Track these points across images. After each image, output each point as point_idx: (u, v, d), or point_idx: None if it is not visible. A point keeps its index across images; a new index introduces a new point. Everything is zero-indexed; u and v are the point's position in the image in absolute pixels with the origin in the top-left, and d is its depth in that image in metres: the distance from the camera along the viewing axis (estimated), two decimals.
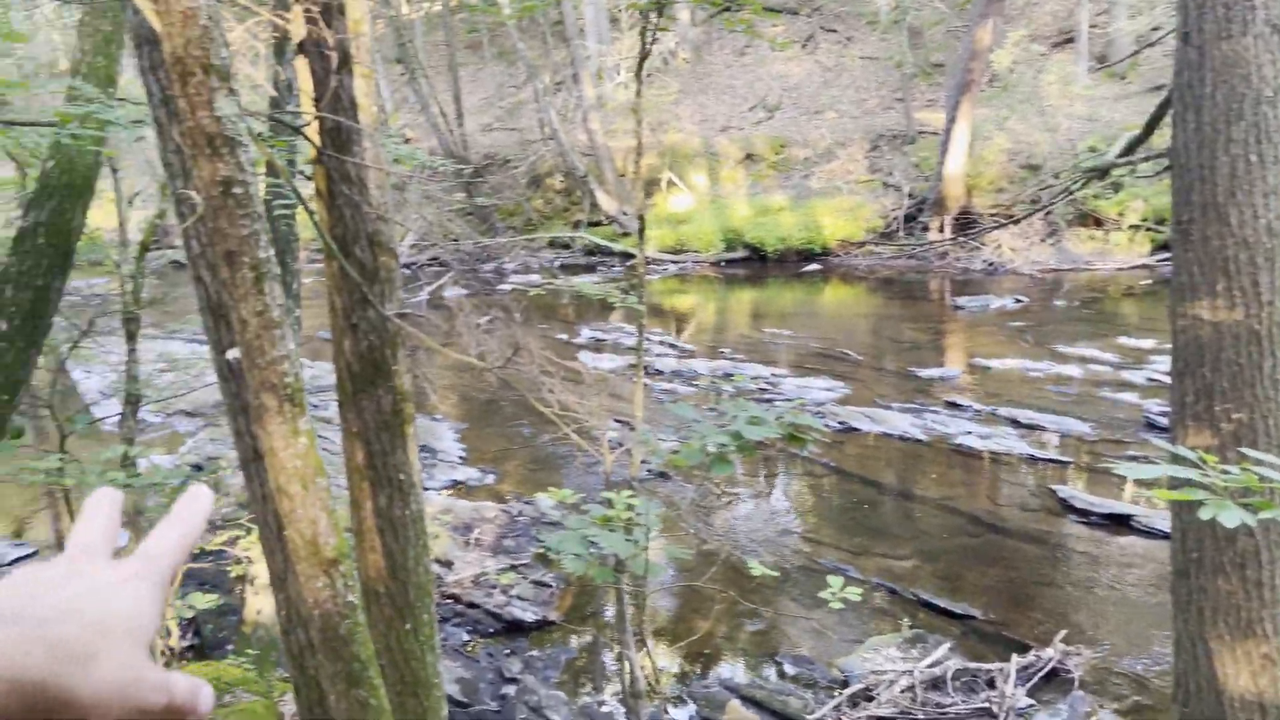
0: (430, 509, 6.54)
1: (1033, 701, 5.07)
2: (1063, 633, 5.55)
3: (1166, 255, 16.30)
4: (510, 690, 5.49)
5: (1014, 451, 8.65)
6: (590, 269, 20.30)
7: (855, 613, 6.05)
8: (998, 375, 11.14)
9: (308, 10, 2.59)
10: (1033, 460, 8.49)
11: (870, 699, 5.16)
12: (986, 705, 5.02)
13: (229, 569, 6.45)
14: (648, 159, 21.07)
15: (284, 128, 3.42)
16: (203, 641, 6.09)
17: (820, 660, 5.68)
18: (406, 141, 18.51)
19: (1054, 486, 7.83)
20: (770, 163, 21.89)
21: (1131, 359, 11.14)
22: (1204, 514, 1.86)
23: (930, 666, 5.33)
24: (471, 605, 6.40)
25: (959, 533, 7.29)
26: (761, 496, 8.40)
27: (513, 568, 6.84)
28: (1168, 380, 3.50)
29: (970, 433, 9.13)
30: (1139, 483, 7.56)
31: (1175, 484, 2.16)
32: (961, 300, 15.39)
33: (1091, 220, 17.33)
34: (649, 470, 8.14)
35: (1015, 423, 9.34)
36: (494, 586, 6.59)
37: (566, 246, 21.37)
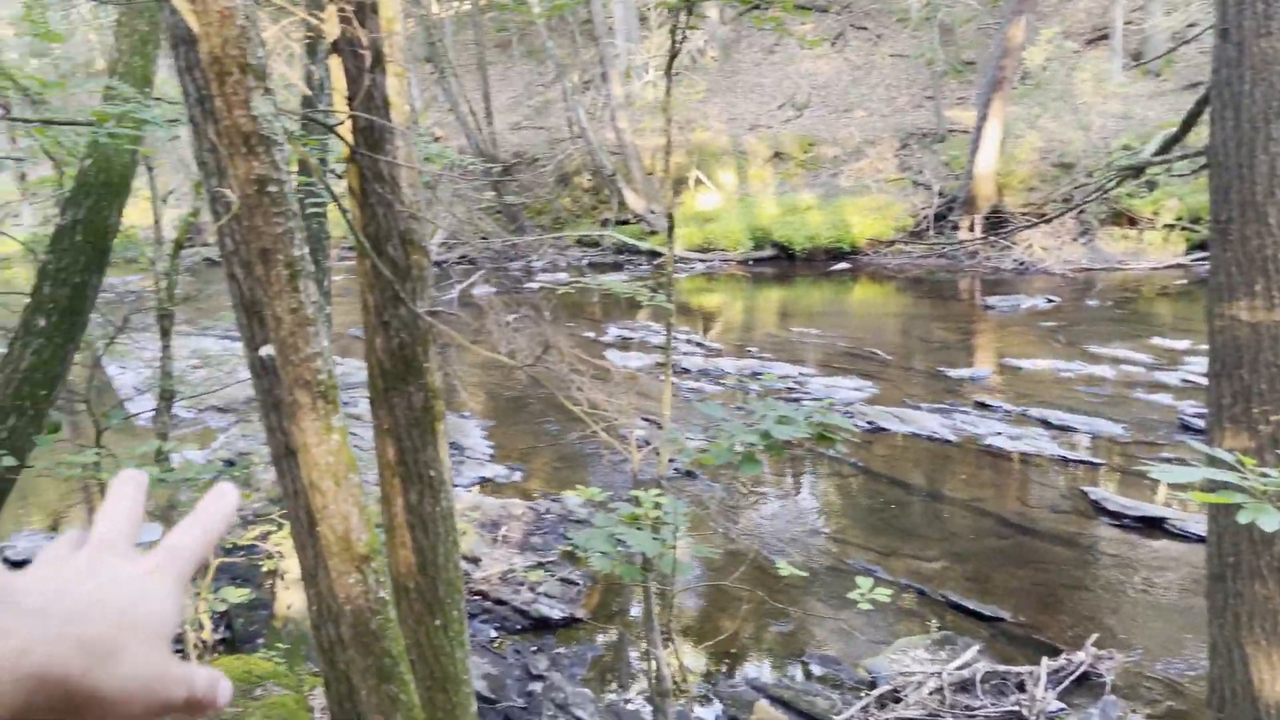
0: (458, 506, 6.57)
1: (1063, 706, 5.02)
2: (1094, 636, 5.49)
3: (1202, 255, 16.12)
4: (537, 687, 5.51)
5: (1045, 453, 8.57)
6: (617, 267, 20.31)
7: (883, 614, 6.02)
8: (1028, 376, 11.03)
9: (342, 10, 2.61)
10: (1064, 462, 8.40)
11: (898, 700, 5.12)
12: (1016, 708, 4.98)
13: (261, 564, 6.52)
14: (675, 157, 21.04)
15: (316, 126, 3.45)
16: (234, 635, 6.15)
17: (847, 661, 5.65)
18: (436, 140, 18.60)
19: (1085, 488, 7.74)
20: (799, 161, 21.81)
21: (1166, 360, 11.00)
22: (1242, 517, 1.84)
23: (959, 668, 5.29)
24: (499, 602, 6.43)
25: (988, 534, 7.23)
26: (788, 496, 8.37)
27: (540, 565, 6.86)
28: (1203, 382, 3.45)
29: (1000, 433, 9.05)
30: (1172, 486, 7.46)
31: (1212, 487, 2.13)
32: (992, 300, 15.26)
33: (1125, 219, 17.12)
34: (676, 469, 8.14)
35: (1046, 424, 9.25)
36: (521, 583, 6.62)
37: (594, 245, 21.40)
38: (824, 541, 7.29)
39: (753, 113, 23.84)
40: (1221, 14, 3.26)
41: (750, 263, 19.78)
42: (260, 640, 6.09)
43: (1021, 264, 17.37)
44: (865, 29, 25.00)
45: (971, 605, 6.10)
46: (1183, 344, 11.48)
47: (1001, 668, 5.31)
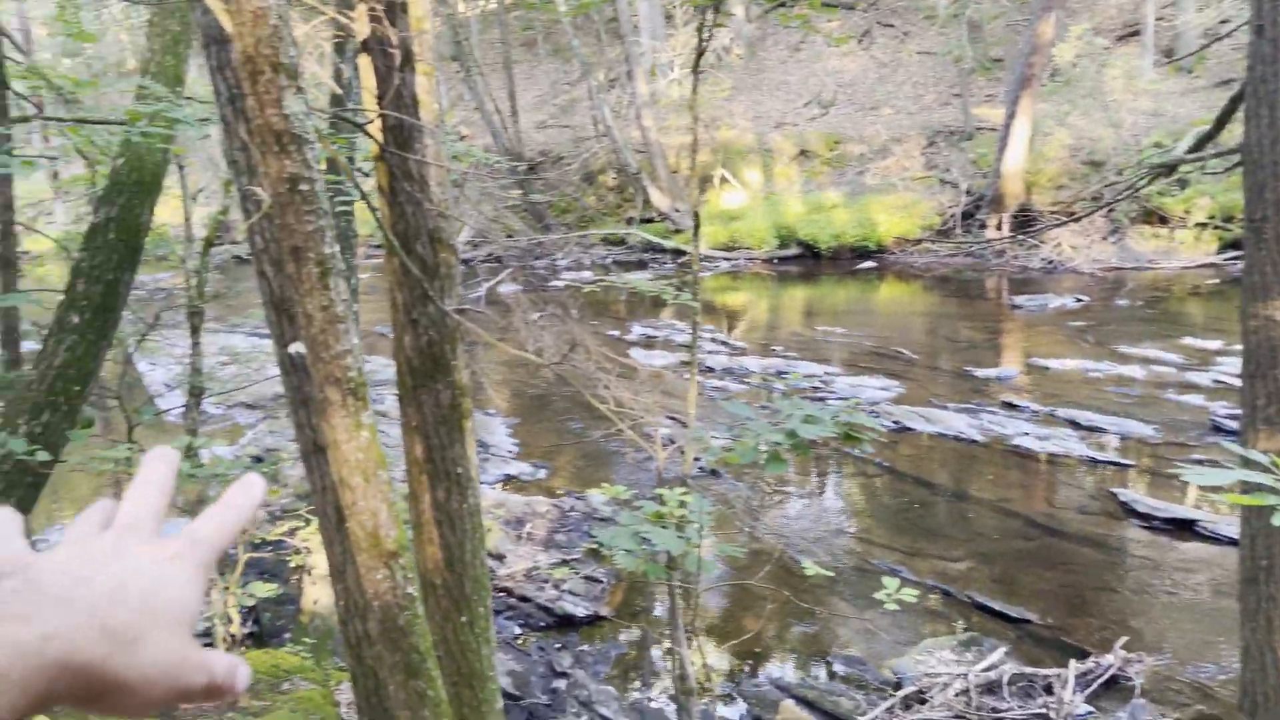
0: (483, 503, 6.61)
1: (1092, 709, 4.97)
2: (1123, 639, 5.43)
3: (1235, 254, 15.91)
4: (561, 684, 5.53)
5: (1073, 453, 8.49)
6: (642, 265, 20.31)
7: (908, 614, 5.99)
8: (1057, 376, 10.93)
9: (372, 9, 2.63)
10: (1092, 463, 8.32)
11: (923, 701, 5.10)
12: (1043, 711, 4.93)
13: (288, 559, 6.58)
14: (700, 155, 20.99)
15: (345, 125, 3.48)
16: (262, 629, 6.21)
17: (872, 661, 5.63)
18: (462, 139, 18.68)
19: (1114, 490, 7.67)
20: (824, 159, 21.72)
21: (1197, 360, 10.86)
22: (1276, 520, 1.81)
23: (985, 670, 5.25)
24: (523, 599, 6.45)
25: (1015, 535, 7.18)
26: (813, 496, 8.34)
27: (564, 562, 6.87)
28: (1236, 382, 3.41)
29: (1028, 434, 8.97)
30: (1204, 488, 7.38)
31: (1246, 489, 2.10)
32: (1019, 299, 15.13)
33: (1156, 218, 16.92)
34: (700, 468, 8.13)
35: (1075, 424, 9.16)
36: (545, 581, 6.63)
37: (619, 243, 21.41)
38: (849, 541, 7.26)
39: (778, 110, 23.76)
40: (1256, 10, 3.21)
41: (775, 261, 19.72)
42: (287, 635, 6.14)
43: (1050, 263, 17.21)
44: (892, 26, 24.85)
45: (998, 606, 6.05)
46: (1215, 344, 11.34)
47: (1029, 670, 5.26)
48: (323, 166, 4.11)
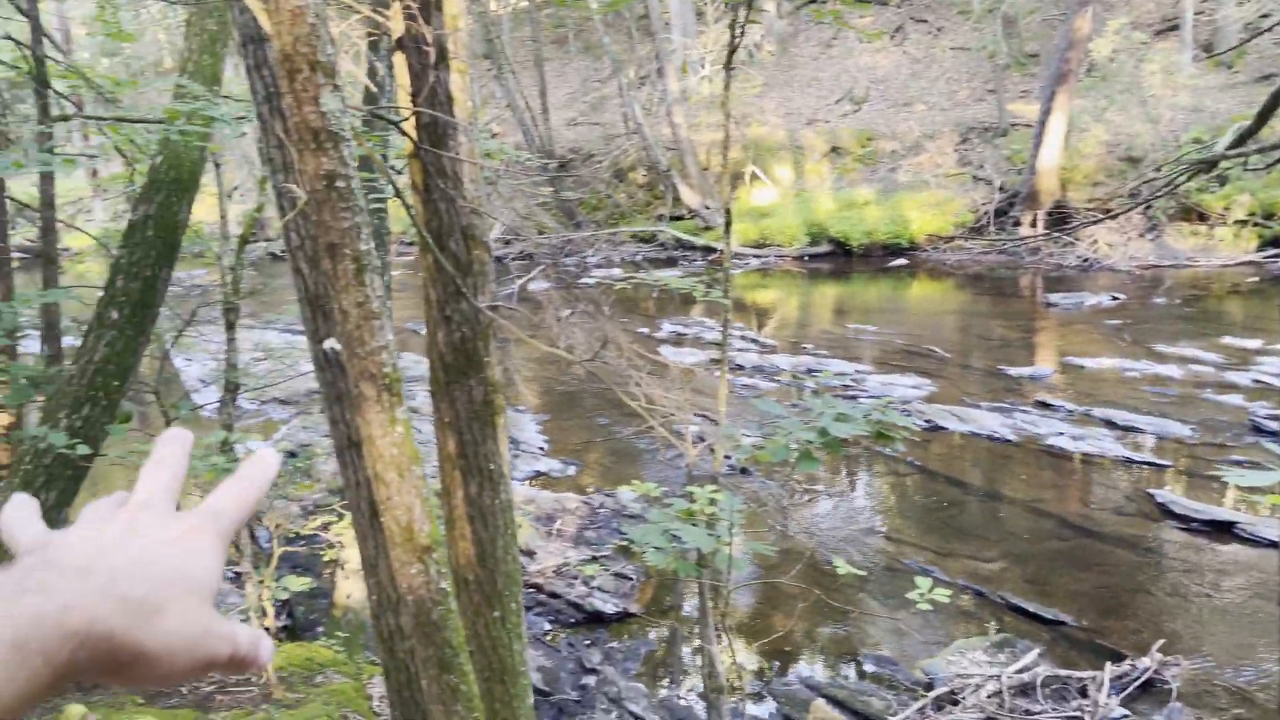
0: (514, 499, 6.64)
1: (1127, 712, 4.91)
2: (1160, 641, 5.36)
3: (1276, 252, 15.65)
4: (590, 680, 5.54)
5: (1108, 454, 8.38)
6: (672, 263, 20.30)
7: (939, 615, 5.94)
8: (1092, 375, 10.80)
9: (407, 7, 2.64)
10: (1128, 463, 8.21)
11: (955, 703, 5.05)
12: (1078, 714, 4.88)
13: (322, 553, 6.64)
14: (732, 152, 20.96)
15: (378, 122, 3.50)
16: (295, 623, 6.28)
17: (903, 662, 5.59)
18: (493, 136, 18.77)
19: (1151, 491, 7.56)
20: (856, 156, 21.59)
21: (1236, 360, 10.68)
22: None
23: (1019, 672, 5.20)
24: (553, 595, 6.47)
25: (1049, 536, 7.10)
26: (844, 494, 8.30)
27: (594, 559, 6.88)
28: (1276, 383, 3.35)
29: (1062, 433, 8.87)
30: (1244, 489, 7.26)
31: None
32: (1054, 297, 14.96)
33: (1194, 215, 16.67)
34: (731, 465, 8.11)
35: (1110, 424, 9.04)
36: (575, 577, 6.65)
37: (649, 240, 21.41)
38: (880, 541, 7.21)
39: (810, 107, 23.65)
40: None
41: (806, 258, 19.63)
42: (320, 628, 6.21)
43: (1085, 260, 17.00)
44: (925, 21, 24.65)
45: (1032, 608, 5.99)
46: (1254, 343, 11.15)
47: (1063, 672, 5.20)
48: (357, 163, 4.15)
